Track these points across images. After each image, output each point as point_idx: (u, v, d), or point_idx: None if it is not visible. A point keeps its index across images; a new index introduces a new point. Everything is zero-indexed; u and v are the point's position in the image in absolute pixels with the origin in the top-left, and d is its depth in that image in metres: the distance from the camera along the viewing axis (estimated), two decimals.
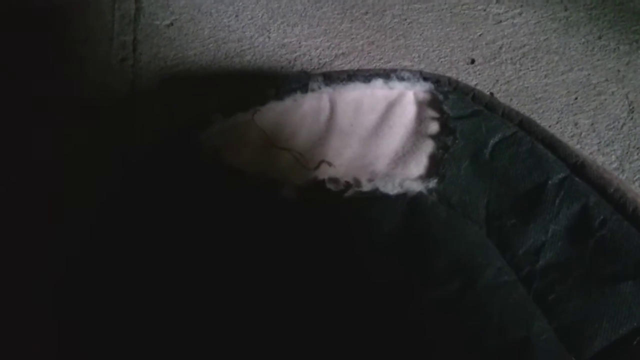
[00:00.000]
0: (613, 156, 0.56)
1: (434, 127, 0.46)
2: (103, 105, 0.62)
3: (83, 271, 0.41)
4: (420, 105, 0.47)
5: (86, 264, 0.41)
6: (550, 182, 0.41)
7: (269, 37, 0.68)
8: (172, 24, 0.70)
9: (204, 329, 0.38)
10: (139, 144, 0.58)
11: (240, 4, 0.72)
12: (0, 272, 0.48)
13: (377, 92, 0.47)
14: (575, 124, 0.59)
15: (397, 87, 0.47)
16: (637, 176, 0.55)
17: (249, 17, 0.71)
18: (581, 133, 0.59)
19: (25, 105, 0.62)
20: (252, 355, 0.38)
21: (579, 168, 0.41)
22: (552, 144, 0.42)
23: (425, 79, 0.47)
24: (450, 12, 0.71)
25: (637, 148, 0.57)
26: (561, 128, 0.59)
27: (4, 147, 0.58)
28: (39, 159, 0.57)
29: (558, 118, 0.60)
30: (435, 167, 0.44)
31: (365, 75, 0.47)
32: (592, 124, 0.59)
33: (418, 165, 0.45)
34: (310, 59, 0.66)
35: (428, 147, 0.45)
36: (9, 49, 0.67)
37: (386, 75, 0.47)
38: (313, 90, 0.46)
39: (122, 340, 0.38)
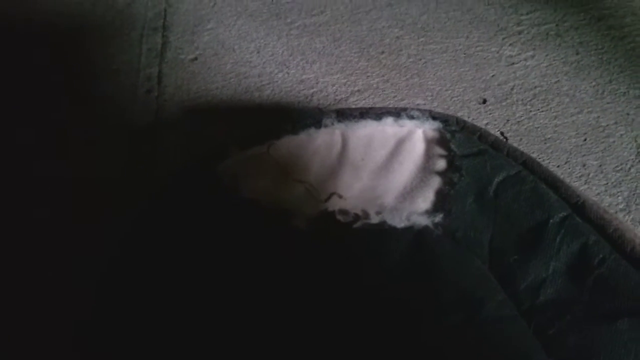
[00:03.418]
0: (620, 197, 0.57)
1: (441, 164, 0.47)
2: (128, 134, 0.65)
3: (108, 288, 0.43)
4: (429, 142, 0.49)
5: (111, 281, 0.43)
6: (551, 220, 0.42)
7: (288, 73, 0.71)
8: (196, 58, 0.73)
9: (210, 353, 0.40)
10: (160, 171, 0.61)
11: (262, 41, 0.76)
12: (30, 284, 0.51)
13: (387, 129, 0.49)
14: (584, 165, 0.61)
15: (407, 125, 0.49)
16: None
17: (270, 53, 0.74)
18: (589, 174, 0.60)
19: (53, 132, 0.65)
20: None
21: (579, 208, 0.42)
22: (555, 184, 0.44)
23: (434, 118, 0.49)
24: (464, 54, 0.74)
25: None
26: (569, 168, 0.61)
27: (36, 172, 0.61)
28: (64, 184, 0.60)
29: (567, 159, 0.61)
30: (441, 202, 0.46)
31: (377, 113, 0.49)
32: (600, 165, 0.60)
33: (425, 200, 0.46)
34: (327, 95, 0.69)
35: (435, 183, 0.47)
36: (42, 76, 0.71)
37: (397, 113, 0.49)
38: (326, 126, 0.49)
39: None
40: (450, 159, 0.47)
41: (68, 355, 0.42)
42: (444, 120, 0.49)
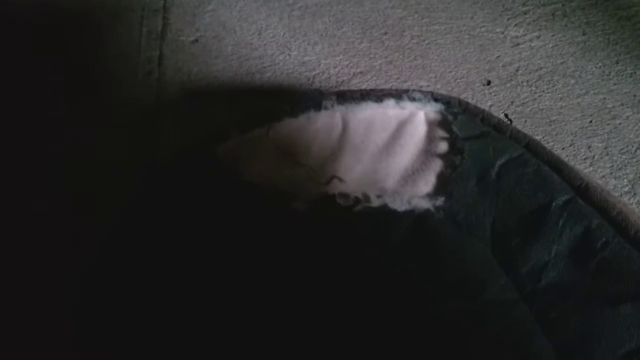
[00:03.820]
0: (625, 180, 0.57)
1: (443, 146, 0.47)
2: (128, 116, 0.64)
3: (102, 272, 0.43)
4: (431, 125, 0.48)
5: (105, 267, 0.43)
6: (554, 203, 0.42)
7: (289, 55, 0.70)
8: (197, 40, 0.73)
9: (211, 334, 0.40)
10: (161, 153, 0.61)
11: (264, 22, 0.75)
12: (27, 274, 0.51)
13: (388, 112, 0.48)
14: (589, 147, 0.60)
15: (409, 107, 0.48)
16: None
17: (271, 35, 0.73)
18: (594, 156, 0.59)
19: (53, 116, 0.65)
20: None
21: (583, 190, 0.41)
22: (558, 167, 0.43)
23: (436, 99, 0.48)
24: (469, 34, 0.73)
25: None
26: (574, 151, 0.60)
27: (38, 153, 0.61)
28: (65, 167, 0.60)
29: (572, 140, 0.61)
30: (443, 185, 0.45)
31: (378, 95, 0.48)
32: (606, 148, 0.60)
33: (426, 183, 0.46)
34: (329, 77, 0.68)
35: (437, 166, 0.46)
36: (40, 60, 0.71)
37: (398, 95, 0.48)
38: (326, 108, 0.48)
39: (135, 341, 0.40)
40: (452, 141, 0.46)
41: (67, 349, 0.42)
42: (446, 102, 0.48)
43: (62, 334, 0.42)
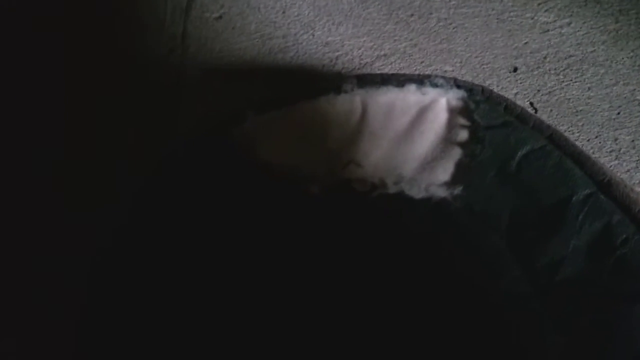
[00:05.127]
0: None
1: (463, 135, 0.46)
2: (150, 92, 0.65)
3: (114, 261, 0.44)
4: (452, 112, 0.47)
5: (118, 253, 0.44)
6: (575, 197, 0.41)
7: (313, 35, 0.70)
8: (221, 17, 0.72)
9: (221, 315, 0.40)
10: (181, 131, 0.61)
11: (288, 0, 0.74)
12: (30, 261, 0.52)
13: (409, 97, 0.48)
14: (615, 140, 0.58)
15: (430, 93, 0.48)
16: None
17: (296, 14, 0.72)
18: (620, 149, 0.58)
19: (74, 92, 0.65)
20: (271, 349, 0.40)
21: (605, 186, 0.40)
22: (581, 160, 0.42)
23: (459, 86, 0.47)
24: (497, 19, 0.71)
25: None
26: (600, 143, 0.58)
27: (56, 127, 0.61)
28: (86, 143, 0.60)
29: (598, 132, 0.59)
30: (461, 174, 0.45)
31: (399, 80, 0.48)
32: (633, 141, 0.58)
33: (445, 171, 0.45)
34: (352, 59, 0.67)
35: (456, 154, 0.46)
36: (61, 36, 0.71)
37: (420, 81, 0.48)
38: (346, 91, 0.47)
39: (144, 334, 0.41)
40: (473, 129, 0.46)
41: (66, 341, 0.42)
42: (469, 89, 0.47)
43: (65, 334, 0.42)
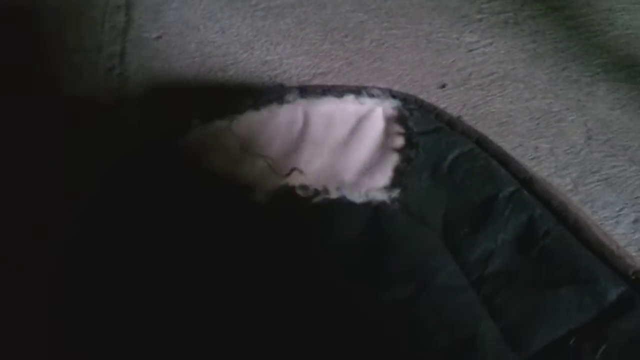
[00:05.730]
0: (568, 178, 0.60)
1: (399, 141, 0.49)
2: (89, 112, 0.64)
3: (67, 274, 0.43)
4: (388, 120, 0.50)
5: (69, 267, 0.44)
6: (501, 194, 0.44)
7: (252, 54, 0.72)
8: (160, 37, 0.73)
9: (166, 324, 0.40)
10: (121, 149, 0.61)
11: (227, 21, 0.76)
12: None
13: (348, 107, 0.50)
14: (536, 148, 0.63)
15: (368, 103, 0.50)
16: (589, 198, 0.58)
17: (235, 34, 0.74)
18: (540, 156, 0.62)
19: (13, 113, 0.64)
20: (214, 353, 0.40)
21: (527, 182, 0.44)
22: (505, 160, 0.46)
23: (394, 96, 0.51)
24: (426, 39, 0.76)
25: (592, 172, 0.61)
26: (522, 151, 0.63)
27: None
28: (26, 164, 0.59)
29: (520, 142, 0.64)
30: (398, 178, 0.47)
31: (339, 91, 0.50)
32: (551, 149, 0.63)
33: (383, 176, 0.48)
34: (290, 77, 0.69)
35: (393, 159, 0.48)
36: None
37: (358, 91, 0.50)
38: (288, 102, 0.50)
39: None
40: (408, 136, 0.49)
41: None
42: (403, 98, 0.50)
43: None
